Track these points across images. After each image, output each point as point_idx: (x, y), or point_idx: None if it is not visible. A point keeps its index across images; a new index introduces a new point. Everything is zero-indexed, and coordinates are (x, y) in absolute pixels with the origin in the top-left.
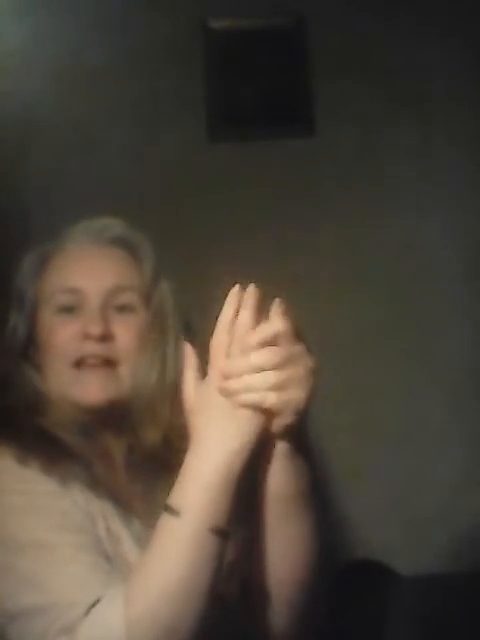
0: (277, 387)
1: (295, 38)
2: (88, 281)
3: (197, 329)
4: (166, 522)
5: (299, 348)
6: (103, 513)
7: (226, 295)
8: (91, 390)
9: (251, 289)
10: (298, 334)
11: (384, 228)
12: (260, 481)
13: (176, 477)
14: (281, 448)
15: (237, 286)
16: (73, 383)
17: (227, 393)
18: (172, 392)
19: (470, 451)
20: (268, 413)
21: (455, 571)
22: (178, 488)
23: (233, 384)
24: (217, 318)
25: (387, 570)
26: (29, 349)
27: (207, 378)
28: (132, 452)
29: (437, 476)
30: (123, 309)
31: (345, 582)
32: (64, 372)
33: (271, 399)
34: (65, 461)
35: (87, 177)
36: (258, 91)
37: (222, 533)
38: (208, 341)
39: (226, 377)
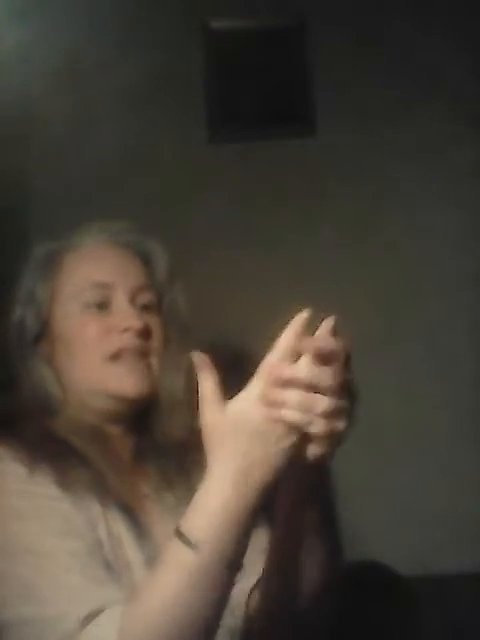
0: (328, 414)
1: (295, 38)
2: (117, 277)
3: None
4: (177, 551)
5: (350, 377)
6: (105, 516)
7: (225, 295)
8: (129, 381)
9: (303, 314)
10: (349, 361)
11: (385, 228)
12: (277, 514)
13: (194, 472)
14: (304, 479)
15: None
16: (108, 375)
17: (271, 402)
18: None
19: (473, 452)
20: (305, 440)
21: (457, 572)
22: (195, 517)
23: (279, 394)
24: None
25: (388, 571)
26: (39, 345)
27: (238, 397)
28: (140, 451)
29: (440, 478)
30: (145, 307)
31: (346, 583)
32: (97, 365)
33: (320, 426)
34: (69, 464)
35: (86, 177)
36: (258, 91)
37: (235, 567)
38: (210, 345)
39: (274, 385)
